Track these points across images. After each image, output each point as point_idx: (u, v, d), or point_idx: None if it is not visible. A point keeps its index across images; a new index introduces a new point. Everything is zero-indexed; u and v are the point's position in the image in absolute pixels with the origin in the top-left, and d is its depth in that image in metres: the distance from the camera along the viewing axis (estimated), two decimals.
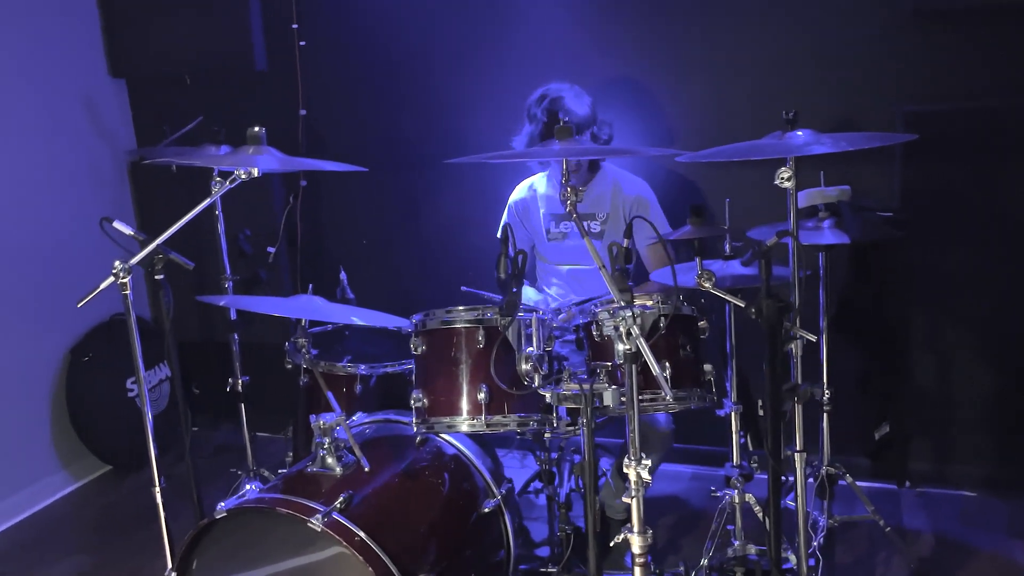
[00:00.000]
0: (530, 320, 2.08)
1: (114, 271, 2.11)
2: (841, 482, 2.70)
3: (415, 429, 2.14)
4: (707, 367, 2.18)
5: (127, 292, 2.16)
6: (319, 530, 1.92)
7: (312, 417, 2.18)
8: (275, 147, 3.82)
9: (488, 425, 2.07)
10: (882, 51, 3.04)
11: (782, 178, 2.04)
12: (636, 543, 1.79)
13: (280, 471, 2.68)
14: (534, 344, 2.06)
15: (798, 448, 2.20)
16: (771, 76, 3.16)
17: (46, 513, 3.62)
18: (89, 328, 3.86)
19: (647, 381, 2.09)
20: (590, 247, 1.86)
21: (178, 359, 2.54)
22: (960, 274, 3.04)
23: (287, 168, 2.31)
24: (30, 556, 3.26)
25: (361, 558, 1.91)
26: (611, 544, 1.84)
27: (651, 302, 2.09)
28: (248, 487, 2.15)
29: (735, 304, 2.05)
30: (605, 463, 3.05)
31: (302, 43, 3.73)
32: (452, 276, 3.52)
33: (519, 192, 3.13)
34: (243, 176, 2.14)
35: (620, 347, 1.89)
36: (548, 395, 2.02)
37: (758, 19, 3.15)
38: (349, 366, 2.72)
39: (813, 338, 2.03)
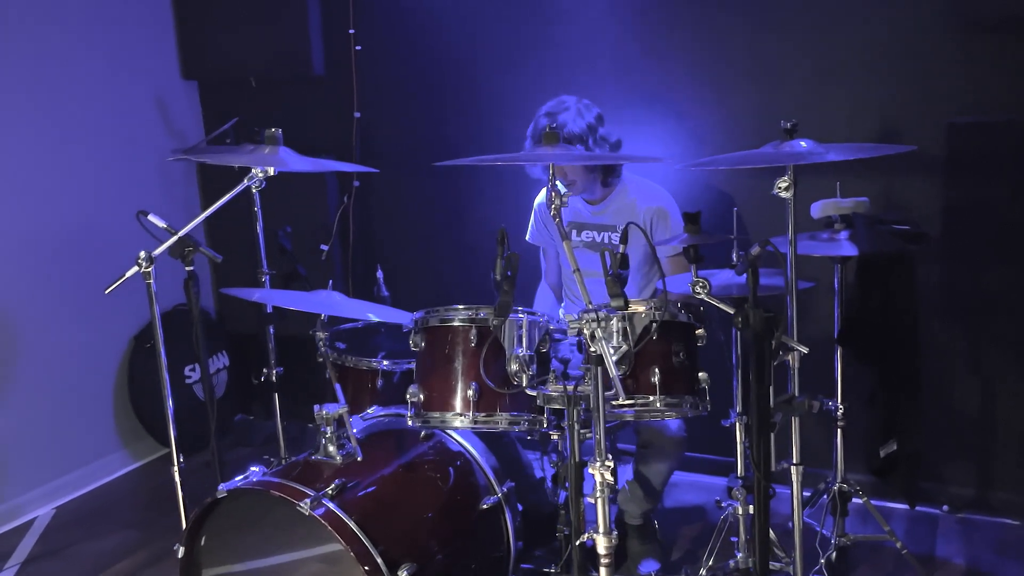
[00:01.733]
0: (522, 321, 2.11)
1: (138, 261, 2.26)
2: (857, 501, 2.63)
3: (410, 423, 2.21)
4: (702, 375, 2.17)
5: (150, 282, 2.30)
6: (307, 514, 2.00)
7: (316, 407, 2.27)
8: (330, 148, 4.03)
9: (476, 422, 2.12)
10: (926, 62, 2.94)
11: (780, 188, 2.02)
12: (601, 543, 1.81)
13: None
14: (524, 345, 2.09)
15: (795, 461, 2.17)
16: (813, 86, 3.11)
17: (104, 489, 3.84)
18: None
19: (639, 386, 2.10)
20: (568, 252, 1.88)
21: (207, 348, 2.67)
22: (1000, 292, 2.92)
23: (303, 168, 2.41)
24: (84, 529, 3.46)
25: (346, 544, 1.98)
26: (576, 543, 1.86)
27: (643, 308, 2.09)
28: (253, 469, 2.26)
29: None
30: (623, 469, 3.05)
31: (358, 48, 3.86)
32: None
33: (542, 196, 3.16)
34: (260, 175, 2.25)
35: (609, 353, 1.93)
36: (537, 395, 2.05)
37: (802, 30, 3.10)
38: (373, 361, 2.81)
39: (805, 350, 2.00)
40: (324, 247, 4.04)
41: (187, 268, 2.53)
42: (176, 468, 2.45)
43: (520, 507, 2.78)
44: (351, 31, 3.84)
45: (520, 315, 2.12)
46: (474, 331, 2.13)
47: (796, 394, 2.13)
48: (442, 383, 2.16)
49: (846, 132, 3.04)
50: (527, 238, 3.24)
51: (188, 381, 4.11)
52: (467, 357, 2.14)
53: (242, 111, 4.19)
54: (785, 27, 3.12)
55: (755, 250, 1.87)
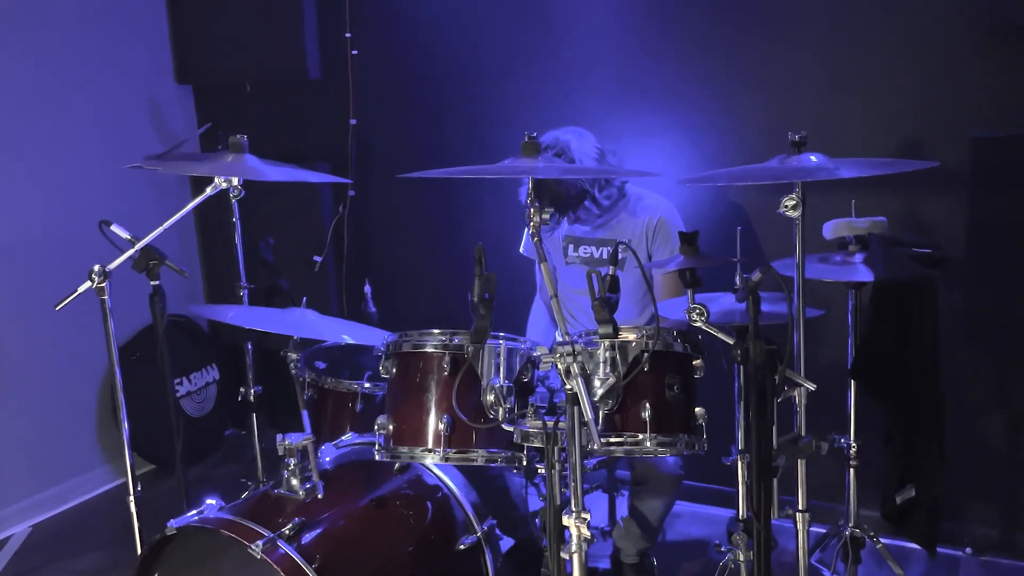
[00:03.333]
0: (499, 348, 1.92)
1: (90, 276, 2.10)
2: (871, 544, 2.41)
3: (378, 457, 2.02)
4: (699, 411, 1.98)
5: (105, 298, 2.15)
6: (259, 557, 1.83)
7: (278, 436, 2.10)
8: (325, 155, 3.88)
9: (448, 459, 1.93)
10: (948, 71, 2.75)
11: (787, 206, 1.83)
12: None
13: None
14: (502, 374, 1.90)
15: (800, 508, 1.97)
16: (826, 96, 2.92)
17: (84, 507, 3.70)
18: (141, 328, 3.94)
19: (625, 423, 1.91)
20: (546, 277, 1.69)
21: (170, 365, 2.52)
22: None
23: (269, 177, 2.24)
24: (57, 549, 3.33)
25: None
26: None
27: (634, 336, 1.90)
28: (209, 502, 2.09)
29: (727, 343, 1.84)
30: (620, 501, 2.86)
31: (354, 52, 3.72)
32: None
33: None
34: (223, 185, 2.09)
35: (596, 385, 1.76)
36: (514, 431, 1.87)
37: (816, 38, 2.92)
38: (352, 383, 2.64)
39: (812, 387, 1.80)
40: (317, 258, 3.89)
41: (152, 283, 2.38)
42: (132, 498, 2.29)
43: (512, 541, 2.61)
44: (347, 35, 3.70)
45: (499, 341, 1.94)
46: (448, 358, 1.95)
47: (802, 434, 1.93)
48: (413, 414, 1.97)
49: (862, 146, 2.85)
50: (521, 250, 3.05)
51: (176, 395, 3.96)
52: (440, 387, 1.95)
53: (236, 116, 4.09)
54: (798, 34, 2.94)
55: (755, 276, 1.68)
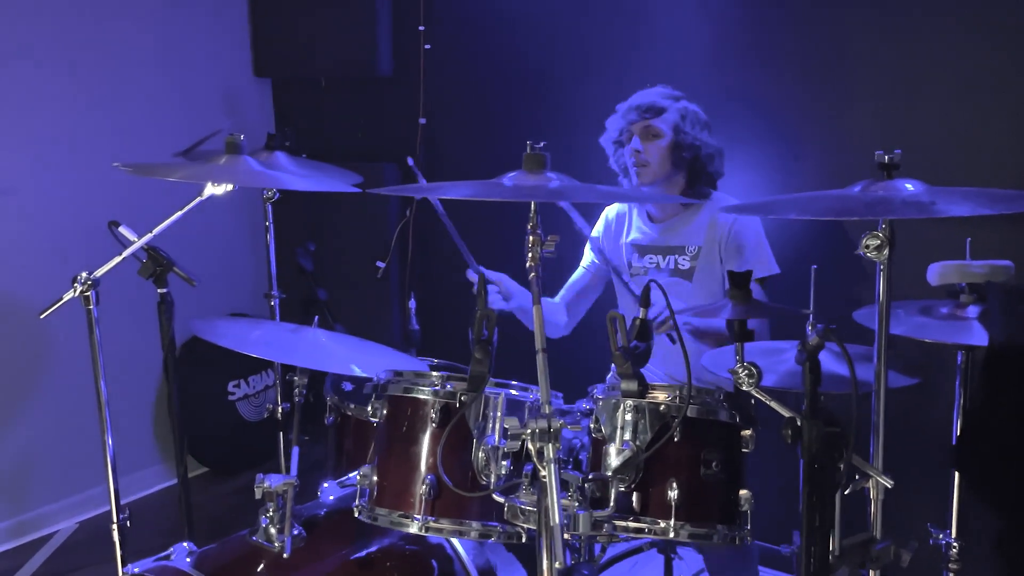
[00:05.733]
0: (498, 400, 1.59)
1: (74, 284, 1.91)
2: None
3: (356, 514, 1.73)
4: (744, 494, 1.59)
5: (91, 307, 1.96)
6: None
7: (258, 476, 1.85)
8: (394, 155, 3.65)
9: (429, 528, 1.61)
10: None
11: (868, 247, 1.42)
12: None
13: None
14: (497, 433, 1.57)
15: None
16: (934, 106, 2.45)
17: (134, 506, 3.57)
18: None
19: (644, 505, 1.55)
20: (537, 321, 1.35)
21: (177, 376, 2.33)
22: None
23: (259, 183, 2.02)
24: (98, 549, 3.23)
25: None
26: None
27: (664, 396, 1.53)
28: (183, 545, 1.87)
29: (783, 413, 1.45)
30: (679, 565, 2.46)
31: (427, 46, 3.50)
32: None
33: (600, 227, 2.61)
34: (217, 192, 1.87)
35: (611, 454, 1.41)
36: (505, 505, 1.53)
37: (942, 35, 2.44)
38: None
39: (889, 484, 1.38)
40: (381, 264, 3.67)
41: (160, 291, 2.20)
42: (115, 525, 2.10)
43: None
44: (421, 28, 3.46)
45: (500, 391, 1.61)
46: (436, 408, 1.63)
47: (877, 536, 1.50)
48: (397, 472, 1.67)
49: (976, 169, 2.36)
50: (594, 234, 2.66)
51: (231, 398, 3.86)
52: (428, 441, 1.64)
53: (310, 113, 3.96)
54: (917, 46, 2.50)
55: (812, 338, 1.28)
